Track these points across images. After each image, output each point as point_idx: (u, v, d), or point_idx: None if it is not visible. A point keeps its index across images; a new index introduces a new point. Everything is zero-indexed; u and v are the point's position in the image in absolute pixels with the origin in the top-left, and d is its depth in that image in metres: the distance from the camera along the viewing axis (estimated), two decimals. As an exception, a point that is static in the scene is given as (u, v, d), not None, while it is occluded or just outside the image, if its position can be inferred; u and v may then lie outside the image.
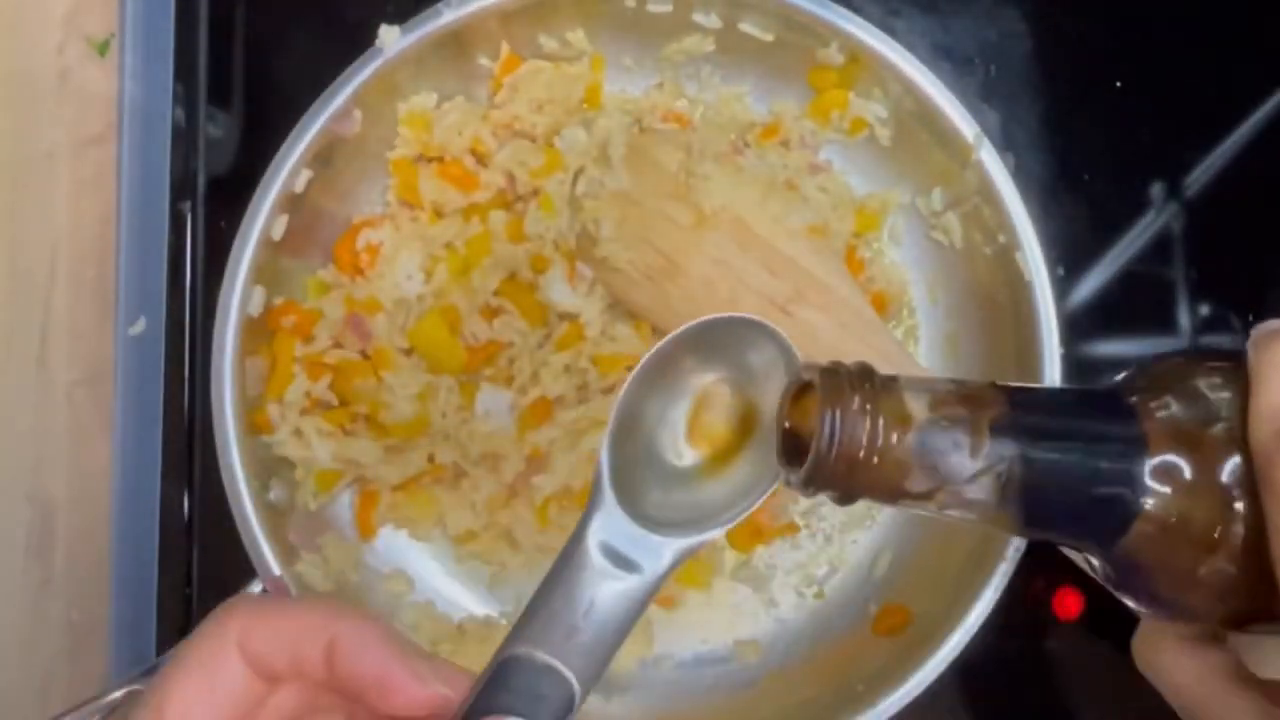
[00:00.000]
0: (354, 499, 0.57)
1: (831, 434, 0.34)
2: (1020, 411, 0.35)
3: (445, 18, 0.53)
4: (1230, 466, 0.34)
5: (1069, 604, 0.55)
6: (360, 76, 0.52)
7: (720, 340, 0.38)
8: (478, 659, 0.54)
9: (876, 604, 0.57)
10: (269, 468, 0.54)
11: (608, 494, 0.37)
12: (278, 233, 0.53)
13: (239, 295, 0.52)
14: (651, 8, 0.56)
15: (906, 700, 0.51)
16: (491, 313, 0.56)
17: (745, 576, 0.59)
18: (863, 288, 0.57)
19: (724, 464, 0.39)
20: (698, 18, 0.56)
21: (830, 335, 0.53)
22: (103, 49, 0.58)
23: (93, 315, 0.58)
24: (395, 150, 0.57)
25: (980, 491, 0.35)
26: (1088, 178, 0.60)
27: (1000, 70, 0.60)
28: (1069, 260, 0.59)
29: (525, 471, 0.56)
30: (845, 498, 0.35)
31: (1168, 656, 0.38)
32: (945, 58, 0.59)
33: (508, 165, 0.56)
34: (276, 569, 0.51)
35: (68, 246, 0.58)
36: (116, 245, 0.57)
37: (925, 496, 0.35)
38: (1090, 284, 0.59)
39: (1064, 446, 0.35)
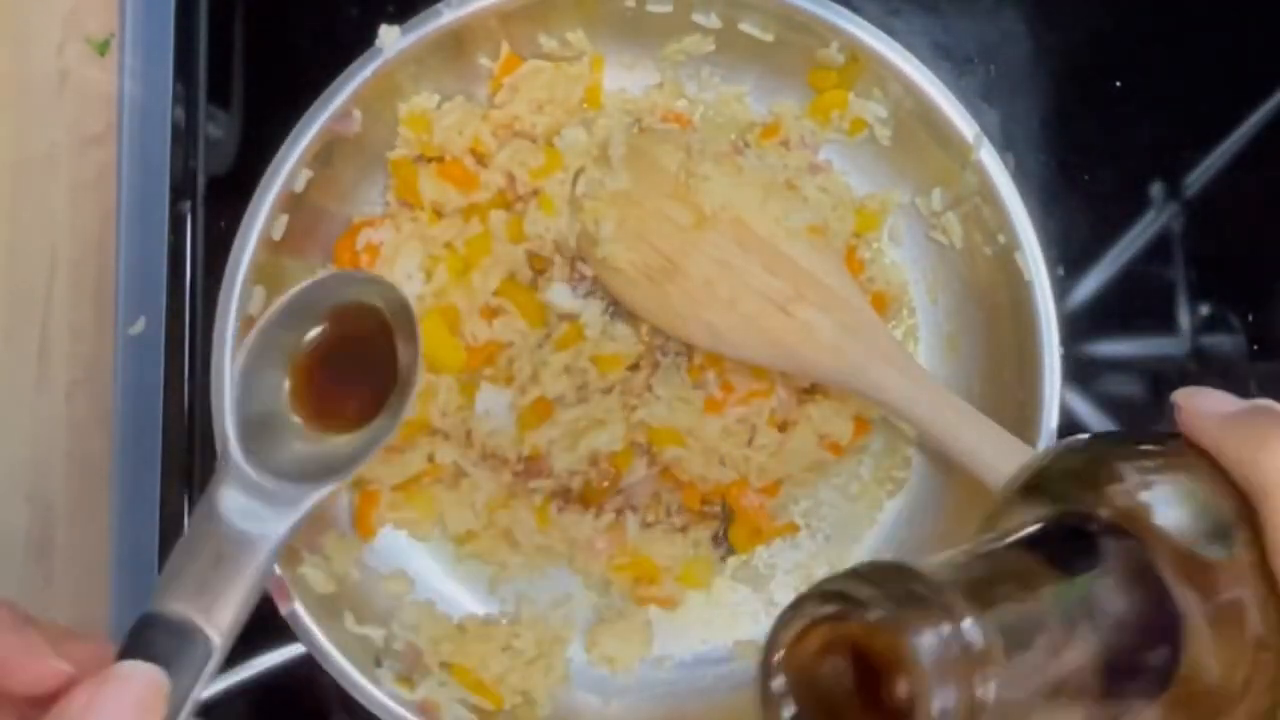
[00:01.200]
0: (354, 499, 0.57)
1: (941, 686, 0.26)
2: (1078, 585, 0.30)
3: (445, 18, 0.53)
4: (1254, 602, 0.31)
5: (1069, 604, 0.55)
6: (360, 76, 0.52)
7: (318, 298, 0.43)
8: (478, 659, 0.55)
9: (876, 604, 0.56)
10: (269, 468, 0.54)
11: (234, 453, 0.40)
12: (278, 233, 0.53)
13: (239, 295, 0.52)
14: (651, 8, 0.55)
15: (906, 700, 0.51)
16: (491, 313, 0.56)
17: (745, 576, 0.59)
18: (863, 288, 0.57)
19: (347, 425, 0.43)
20: (698, 18, 0.56)
21: (830, 335, 0.53)
22: (103, 49, 0.58)
23: (93, 315, 0.58)
24: (395, 150, 0.57)
25: (1056, 689, 0.29)
26: (1088, 178, 0.60)
27: (1000, 70, 0.60)
28: (1069, 260, 0.59)
29: (525, 472, 0.56)
30: None
31: None
32: (945, 58, 0.59)
33: (508, 165, 0.56)
34: (277, 569, 0.51)
35: (68, 246, 0.58)
36: (116, 245, 0.57)
37: None
38: (1090, 284, 0.59)
39: (1115, 627, 0.31)
